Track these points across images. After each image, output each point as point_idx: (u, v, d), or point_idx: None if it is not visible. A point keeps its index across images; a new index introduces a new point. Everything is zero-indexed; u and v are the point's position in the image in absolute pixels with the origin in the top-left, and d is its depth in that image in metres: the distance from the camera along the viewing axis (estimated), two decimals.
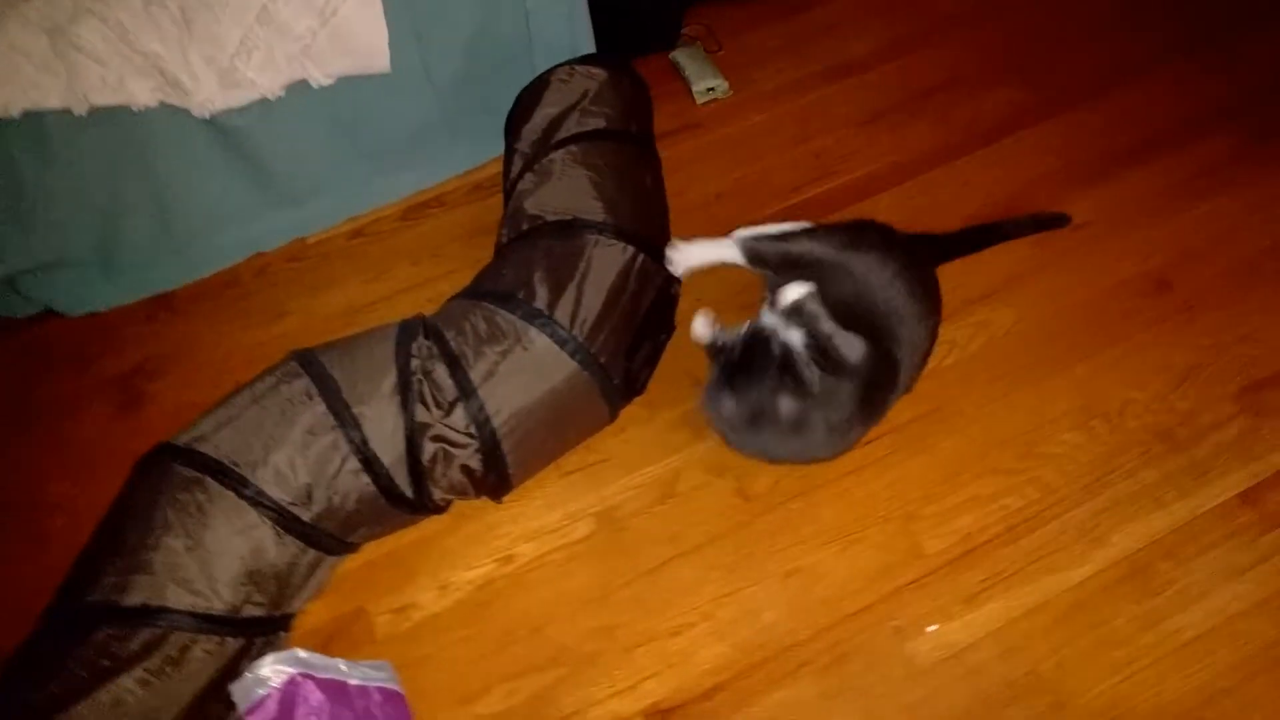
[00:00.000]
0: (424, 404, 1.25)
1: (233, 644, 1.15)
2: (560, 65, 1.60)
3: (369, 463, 1.22)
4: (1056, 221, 1.59)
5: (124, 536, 1.16)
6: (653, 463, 1.40)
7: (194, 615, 1.13)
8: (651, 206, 1.53)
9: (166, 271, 1.74)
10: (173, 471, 1.18)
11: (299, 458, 1.20)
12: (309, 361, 1.27)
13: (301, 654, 1.13)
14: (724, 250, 1.46)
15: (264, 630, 1.21)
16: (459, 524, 1.38)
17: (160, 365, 1.63)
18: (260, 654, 1.17)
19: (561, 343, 1.28)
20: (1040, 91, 1.83)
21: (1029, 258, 1.57)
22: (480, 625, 1.28)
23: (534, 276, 1.33)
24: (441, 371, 1.26)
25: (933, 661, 1.21)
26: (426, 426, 1.24)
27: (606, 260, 1.36)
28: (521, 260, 1.38)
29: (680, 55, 2.00)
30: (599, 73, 1.59)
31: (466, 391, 1.25)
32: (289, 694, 1.06)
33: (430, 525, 1.37)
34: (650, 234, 1.46)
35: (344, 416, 1.22)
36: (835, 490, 1.35)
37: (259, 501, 1.17)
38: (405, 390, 1.24)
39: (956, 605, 1.24)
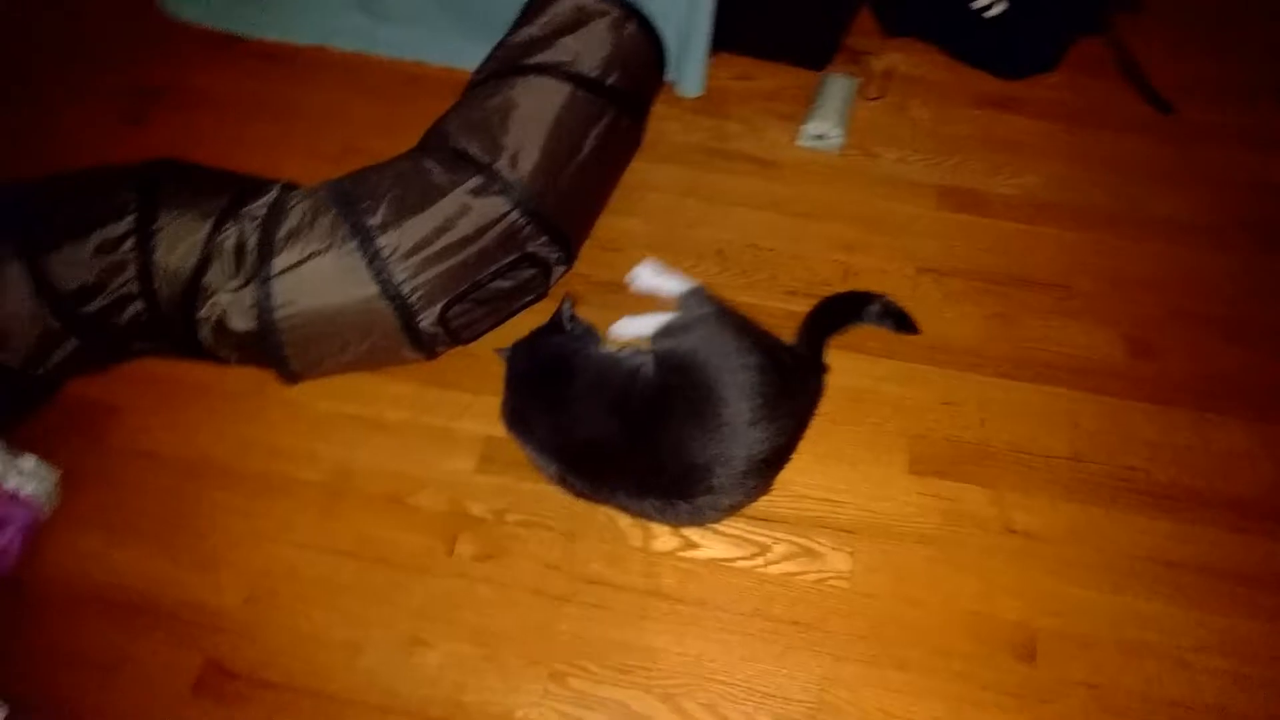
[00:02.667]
0: (226, 267, 1.27)
1: None
2: None
3: (146, 292, 1.27)
4: (903, 326, 1.44)
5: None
6: (429, 454, 1.34)
7: None
8: (569, 168, 1.39)
9: (251, 18, 1.83)
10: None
11: (93, 259, 1.25)
12: (156, 175, 1.31)
13: None
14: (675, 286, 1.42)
15: None
16: (255, 392, 1.40)
17: (181, 99, 1.74)
18: None
19: (372, 265, 1.26)
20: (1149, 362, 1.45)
21: (920, 523, 1.29)
22: (131, 482, 1.32)
23: (388, 194, 1.30)
24: (254, 246, 1.27)
25: None
26: (213, 289, 1.27)
27: (471, 209, 1.30)
28: (396, 172, 1.35)
29: (828, 81, 1.74)
30: (606, 9, 1.46)
31: (261, 275, 1.27)
32: None
33: (228, 381, 1.41)
34: (549, 198, 1.35)
35: (144, 240, 1.25)
36: (509, 596, 1.23)
37: (43, 280, 1.25)
38: (208, 245, 1.26)
39: None
